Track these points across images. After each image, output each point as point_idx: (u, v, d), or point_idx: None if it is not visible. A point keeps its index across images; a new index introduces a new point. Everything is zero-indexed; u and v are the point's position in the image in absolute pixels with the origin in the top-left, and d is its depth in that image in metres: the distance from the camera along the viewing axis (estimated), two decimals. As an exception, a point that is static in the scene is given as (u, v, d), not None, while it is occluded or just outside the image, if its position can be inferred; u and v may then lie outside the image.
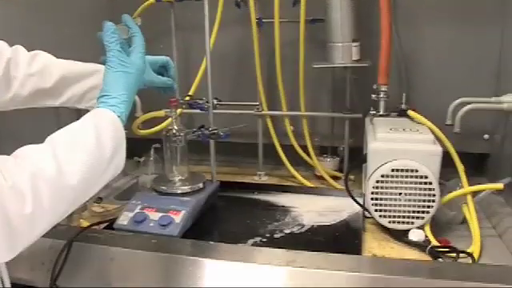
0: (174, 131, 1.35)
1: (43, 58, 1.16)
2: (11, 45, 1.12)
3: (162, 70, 1.24)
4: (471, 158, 1.40)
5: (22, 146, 0.83)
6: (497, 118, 1.55)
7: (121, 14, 1.12)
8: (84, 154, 0.85)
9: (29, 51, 1.15)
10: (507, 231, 1.27)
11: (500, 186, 1.26)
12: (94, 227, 1.25)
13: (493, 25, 1.52)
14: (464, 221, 1.32)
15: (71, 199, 0.84)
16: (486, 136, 1.60)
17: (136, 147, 1.80)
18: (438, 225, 1.27)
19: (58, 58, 1.18)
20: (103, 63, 1.03)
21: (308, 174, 1.72)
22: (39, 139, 0.86)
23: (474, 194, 1.31)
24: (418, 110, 1.39)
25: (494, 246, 1.22)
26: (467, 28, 1.54)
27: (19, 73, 1.11)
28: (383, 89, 1.42)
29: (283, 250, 1.09)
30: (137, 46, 1.03)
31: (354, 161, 1.40)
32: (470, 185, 1.30)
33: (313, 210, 1.42)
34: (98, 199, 1.52)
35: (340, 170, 1.70)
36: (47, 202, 0.78)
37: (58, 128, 0.89)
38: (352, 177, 1.62)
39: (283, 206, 1.45)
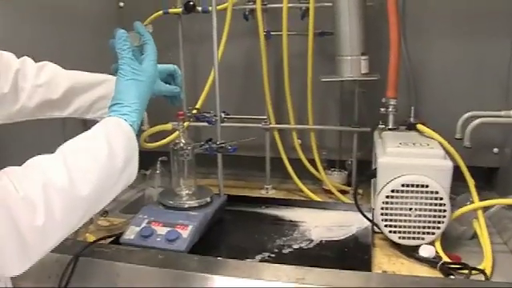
0: (182, 144, 1.34)
1: (50, 69, 1.15)
2: (18, 56, 1.12)
3: (169, 78, 1.23)
4: (480, 171, 1.39)
5: (28, 157, 0.82)
6: (506, 131, 1.54)
7: (129, 24, 1.12)
8: (96, 164, 0.85)
9: (35, 61, 1.15)
10: (519, 247, 1.25)
11: (510, 201, 1.24)
12: (100, 242, 1.24)
13: (502, 37, 1.51)
14: (474, 236, 1.30)
15: (83, 210, 0.84)
16: (496, 150, 1.59)
17: (142, 160, 1.78)
18: (447, 240, 1.25)
19: (65, 67, 1.18)
20: (114, 71, 1.02)
21: (315, 187, 1.71)
22: (45, 150, 0.85)
23: (485, 208, 1.30)
24: (427, 123, 1.38)
25: (506, 262, 1.20)
26: (476, 40, 1.53)
27: (27, 84, 1.10)
28: (392, 102, 1.41)
29: (292, 266, 1.07)
30: (149, 54, 1.03)
31: (363, 175, 1.38)
32: (480, 199, 1.29)
33: (321, 224, 1.40)
34: (103, 213, 1.51)
35: (348, 183, 1.69)
36: (59, 214, 0.77)
37: (64, 139, 0.88)
38: (360, 191, 1.61)
39: (291, 221, 1.43)
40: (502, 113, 1.41)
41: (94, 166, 0.84)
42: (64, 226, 0.80)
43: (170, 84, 1.23)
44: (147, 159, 1.70)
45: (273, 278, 1.03)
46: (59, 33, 1.49)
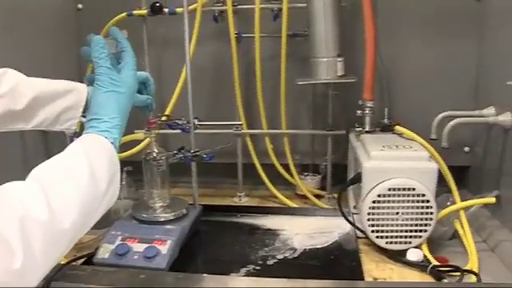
0: (155, 154, 1.27)
1: (13, 76, 1.03)
2: None
3: (141, 86, 1.13)
4: (452, 171, 1.39)
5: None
6: (476, 130, 1.56)
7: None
8: (77, 191, 0.76)
9: None
10: (500, 245, 1.25)
11: (492, 200, 1.25)
12: (72, 263, 1.14)
13: (470, 38, 1.53)
14: (453, 236, 1.30)
15: (65, 243, 0.74)
16: (467, 149, 1.60)
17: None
18: (429, 241, 1.23)
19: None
20: (89, 81, 0.94)
21: (289, 193, 1.67)
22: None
23: (465, 208, 1.30)
24: (401, 124, 1.37)
25: (489, 261, 1.20)
26: (445, 41, 1.54)
27: None
28: (369, 104, 1.39)
29: (284, 280, 1.02)
30: (127, 63, 0.95)
31: (340, 182, 1.35)
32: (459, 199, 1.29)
33: (301, 232, 1.36)
34: (69, 230, 1.41)
35: (322, 187, 1.66)
36: (39, 251, 0.67)
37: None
38: (335, 195, 1.59)
39: (270, 229, 1.38)
40: (475, 112, 1.42)
41: (75, 194, 0.76)
42: (45, 263, 0.70)
43: (141, 93, 1.13)
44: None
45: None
46: (12, 37, 1.37)
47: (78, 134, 1.52)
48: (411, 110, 1.56)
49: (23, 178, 0.74)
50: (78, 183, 0.77)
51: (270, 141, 1.60)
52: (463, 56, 1.54)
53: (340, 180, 1.52)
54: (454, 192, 1.29)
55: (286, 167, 1.61)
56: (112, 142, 0.86)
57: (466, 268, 1.13)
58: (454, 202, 1.30)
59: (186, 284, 1.03)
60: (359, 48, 1.38)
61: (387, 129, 1.39)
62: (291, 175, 1.61)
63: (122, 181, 1.52)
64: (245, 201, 1.67)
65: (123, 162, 1.50)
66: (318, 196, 1.63)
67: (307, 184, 1.64)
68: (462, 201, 1.29)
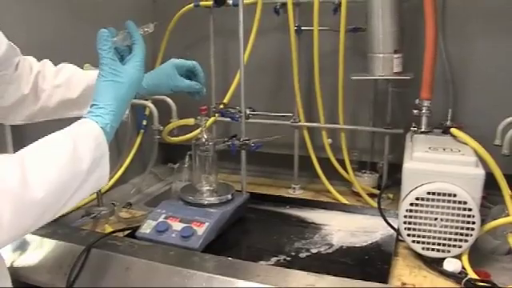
0: (203, 140, 1.32)
1: (69, 69, 1.15)
2: (43, 56, 1.13)
3: (189, 74, 1.22)
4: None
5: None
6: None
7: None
8: (54, 166, 0.80)
9: (62, 60, 1.15)
10: (557, 267, 1.14)
11: (551, 215, 1.14)
12: (115, 234, 1.23)
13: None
14: (510, 251, 1.21)
15: (37, 213, 0.78)
16: (536, 158, 1.46)
17: (171, 153, 1.81)
18: (478, 254, 1.16)
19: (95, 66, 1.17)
20: None
21: (344, 189, 1.65)
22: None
23: (522, 222, 1.20)
24: (464, 127, 1.29)
25: (542, 283, 1.10)
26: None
27: (47, 85, 1.11)
28: (426, 104, 1.32)
29: (304, 272, 1.02)
30: (135, 55, 0.98)
31: (390, 180, 1.30)
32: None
33: (345, 228, 1.34)
34: (127, 204, 1.51)
35: (378, 187, 1.62)
36: (7, 217, 0.72)
37: None
38: (391, 195, 1.54)
39: (314, 223, 1.38)
40: (546, 119, 1.30)
41: (52, 168, 0.80)
42: (12, 229, 0.74)
43: (190, 79, 1.21)
44: (176, 153, 1.71)
45: (281, 283, 0.99)
46: (90, 28, 1.48)
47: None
48: (478, 113, 1.46)
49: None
50: (58, 160, 0.81)
51: (327, 135, 1.59)
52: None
53: (397, 180, 1.47)
54: (507, 203, 1.19)
55: (343, 163, 1.59)
56: (102, 127, 0.89)
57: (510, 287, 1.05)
58: (508, 215, 1.20)
59: (211, 265, 1.07)
60: (422, 44, 1.32)
61: (447, 131, 1.32)
62: (347, 171, 1.58)
63: (184, 164, 1.63)
64: (299, 193, 1.67)
65: (187, 147, 1.61)
66: (372, 195, 1.58)
67: (363, 182, 1.61)
68: (522, 214, 1.20)
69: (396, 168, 1.48)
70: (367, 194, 1.57)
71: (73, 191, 0.84)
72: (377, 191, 1.60)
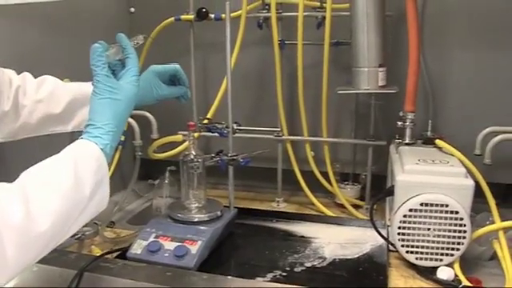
0: (192, 156, 1.31)
1: (50, 82, 1.11)
2: (23, 69, 1.09)
3: (173, 78, 1.20)
4: (498, 188, 1.34)
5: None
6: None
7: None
8: (58, 195, 0.77)
9: (42, 73, 1.12)
10: (542, 271, 1.20)
11: (535, 221, 1.19)
12: (106, 256, 1.20)
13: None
14: (493, 257, 1.26)
15: (42, 245, 0.76)
16: (515, 165, 1.53)
17: (150, 169, 1.79)
18: (465, 260, 1.20)
19: (73, 76, 1.14)
20: None
21: (328, 201, 1.67)
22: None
23: (506, 229, 1.25)
24: (445, 137, 1.34)
25: (528, 287, 1.16)
26: (497, 53, 1.47)
27: (27, 100, 1.07)
28: (410, 116, 1.36)
29: (305, 287, 1.03)
30: (129, 70, 0.95)
31: (378, 191, 1.34)
32: (499, 218, 1.24)
33: (334, 241, 1.36)
34: (110, 223, 1.48)
35: (361, 198, 1.65)
36: (12, 252, 0.70)
37: None
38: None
39: (303, 237, 1.39)
40: (524, 128, 1.36)
41: (56, 198, 0.77)
42: (17, 265, 0.72)
43: (174, 84, 1.20)
44: (155, 168, 1.69)
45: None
46: (66, 39, 1.46)
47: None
48: (457, 124, 1.52)
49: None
50: (61, 187, 0.78)
51: (310, 148, 1.61)
52: (514, 68, 1.48)
53: (380, 191, 1.51)
54: (493, 211, 1.24)
55: (327, 175, 1.61)
56: (102, 148, 0.87)
57: (500, 291, 1.10)
58: (493, 221, 1.26)
59: (210, 285, 1.06)
60: (403, 58, 1.36)
61: (429, 142, 1.36)
62: (330, 183, 1.60)
63: (165, 180, 1.61)
64: (283, 206, 1.68)
65: (167, 162, 1.59)
66: (356, 206, 1.61)
67: (346, 193, 1.64)
68: (506, 220, 1.25)
69: (379, 179, 1.53)
70: (351, 206, 1.59)
71: (75, 218, 0.81)
72: (360, 202, 1.63)
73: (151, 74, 1.16)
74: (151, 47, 1.64)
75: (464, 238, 1.14)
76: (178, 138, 1.48)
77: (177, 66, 1.19)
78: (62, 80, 1.16)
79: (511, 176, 1.55)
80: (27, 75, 1.10)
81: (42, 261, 1.13)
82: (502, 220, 1.24)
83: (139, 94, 1.07)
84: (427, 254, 1.17)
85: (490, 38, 1.47)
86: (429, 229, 1.15)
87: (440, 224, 1.14)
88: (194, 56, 1.60)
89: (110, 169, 1.55)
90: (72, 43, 1.46)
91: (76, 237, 1.37)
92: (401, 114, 1.38)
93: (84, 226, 1.38)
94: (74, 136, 1.33)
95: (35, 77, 1.12)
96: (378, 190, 1.55)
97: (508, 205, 1.54)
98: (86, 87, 1.10)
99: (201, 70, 1.67)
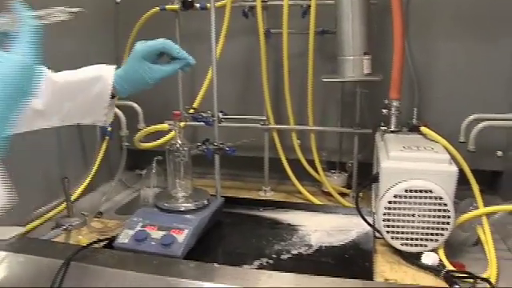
0: (178, 146, 1.30)
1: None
2: None
3: (164, 56, 1.07)
4: (483, 175, 1.35)
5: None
6: (510, 134, 1.50)
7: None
8: None
9: None
10: (524, 255, 1.21)
11: (517, 207, 1.20)
12: (93, 246, 1.19)
13: (507, 39, 1.47)
14: (477, 242, 1.27)
15: None
16: (500, 153, 1.54)
17: (137, 160, 1.78)
18: (449, 246, 1.21)
19: (58, 66, 1.10)
20: None
21: (315, 189, 1.67)
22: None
23: (489, 214, 1.26)
24: (430, 125, 1.34)
25: (511, 270, 1.16)
26: (481, 42, 1.49)
27: None
28: (395, 104, 1.36)
29: (291, 274, 1.03)
30: (21, 36, 0.75)
31: (365, 179, 1.34)
32: (484, 204, 1.26)
33: (320, 228, 1.36)
34: (97, 214, 1.48)
35: (348, 186, 1.65)
36: None
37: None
38: (360, 194, 1.57)
39: (290, 224, 1.39)
40: (508, 115, 1.37)
41: None
42: None
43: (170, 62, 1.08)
44: (142, 159, 1.68)
45: (272, 286, 0.99)
46: (50, 29, 1.43)
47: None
48: (442, 111, 1.53)
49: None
50: None
51: (296, 137, 1.61)
52: (498, 56, 1.48)
53: (374, 178, 1.51)
54: (477, 197, 1.25)
55: (313, 164, 1.61)
56: None
57: (484, 276, 1.10)
58: (477, 207, 1.26)
59: (197, 273, 1.06)
60: (389, 46, 1.36)
61: (415, 129, 1.36)
62: (317, 172, 1.60)
63: (152, 170, 1.60)
64: (270, 195, 1.68)
65: (154, 152, 1.58)
66: (343, 194, 1.62)
67: (333, 181, 1.64)
68: (490, 206, 1.26)
69: (365, 167, 1.54)
70: (338, 194, 1.60)
71: None
72: (347, 190, 1.64)
73: (137, 60, 1.04)
74: (137, 37, 1.62)
75: (448, 223, 1.15)
76: (164, 127, 1.46)
77: (162, 41, 1.06)
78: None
79: (495, 163, 1.56)
80: None
81: (28, 251, 1.15)
82: (486, 206, 1.25)
83: (130, 86, 1.05)
84: (412, 239, 1.17)
85: (475, 28, 1.48)
86: (413, 215, 1.15)
87: (424, 210, 1.15)
88: (179, 46, 1.58)
89: (96, 160, 1.59)
90: (58, 32, 1.44)
91: (63, 227, 1.36)
92: (386, 101, 1.38)
93: (71, 217, 1.40)
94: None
95: None
96: (364, 178, 1.55)
97: (491, 191, 1.57)
98: (73, 76, 1.06)
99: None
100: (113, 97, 1.07)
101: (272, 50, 1.59)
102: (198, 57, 1.67)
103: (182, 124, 1.36)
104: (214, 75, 1.33)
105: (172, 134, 1.47)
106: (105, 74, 1.05)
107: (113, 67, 1.06)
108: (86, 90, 1.05)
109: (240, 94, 1.70)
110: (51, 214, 1.43)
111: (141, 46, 1.05)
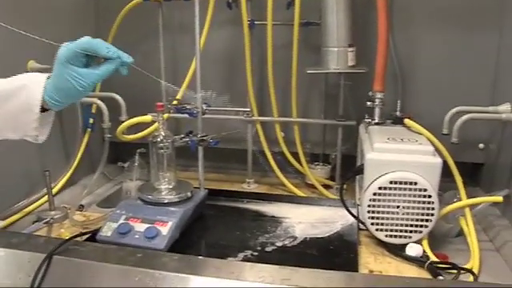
0: (161, 137, 1.27)
1: None
2: None
3: (93, 58, 0.91)
4: (465, 167, 1.35)
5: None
6: (492, 127, 1.51)
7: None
8: None
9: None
10: (505, 245, 1.22)
11: (499, 198, 1.21)
12: (75, 239, 1.16)
13: (490, 31, 1.47)
14: (460, 233, 1.28)
15: None
16: (481, 145, 1.56)
17: (120, 152, 1.75)
18: (433, 237, 1.22)
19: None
20: None
21: (298, 182, 1.66)
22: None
23: (472, 206, 1.26)
24: (413, 117, 1.35)
25: (493, 261, 1.18)
26: (465, 34, 1.49)
27: None
28: (379, 96, 1.37)
29: (276, 266, 1.01)
30: None
31: (349, 171, 1.33)
32: (466, 196, 1.26)
33: (304, 220, 1.35)
34: (79, 207, 1.45)
35: (332, 178, 1.65)
36: None
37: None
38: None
39: (274, 217, 1.38)
40: (490, 108, 1.38)
41: None
42: None
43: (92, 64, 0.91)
44: (124, 151, 1.65)
45: (257, 278, 0.98)
46: (29, 22, 1.38)
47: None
48: (425, 104, 1.53)
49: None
50: None
51: (280, 129, 1.59)
52: (482, 49, 1.49)
53: (358, 170, 1.50)
54: (460, 189, 1.26)
55: (297, 156, 1.60)
56: None
57: (466, 267, 1.11)
58: (460, 199, 1.27)
59: (181, 265, 1.04)
60: (373, 38, 1.36)
61: (398, 121, 1.37)
62: (300, 164, 1.59)
63: (134, 162, 1.58)
64: (254, 187, 1.67)
65: (136, 145, 1.56)
66: (326, 186, 1.61)
67: (317, 174, 1.63)
68: (471, 198, 1.26)
69: (349, 159, 1.53)
70: (321, 186, 1.59)
71: None
72: (331, 182, 1.63)
73: (61, 66, 0.89)
74: (118, 29, 1.59)
75: (432, 215, 1.15)
76: (147, 118, 1.43)
77: (87, 40, 0.89)
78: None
79: (478, 155, 1.57)
80: None
81: (10, 245, 1.12)
82: (469, 197, 1.26)
83: (61, 97, 0.91)
84: (396, 231, 1.17)
85: (460, 20, 1.49)
86: (398, 206, 1.16)
87: (409, 202, 1.15)
88: (162, 37, 1.56)
89: (78, 152, 1.56)
90: (32, 28, 1.40)
91: (44, 221, 1.33)
92: (370, 93, 1.38)
93: (53, 210, 1.37)
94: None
95: None
96: (347, 171, 1.54)
97: (474, 183, 1.58)
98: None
99: (170, 51, 1.63)
100: (46, 109, 0.94)
101: (256, 41, 1.57)
102: (181, 48, 1.67)
103: (166, 116, 1.33)
104: (197, 67, 1.31)
105: (155, 126, 1.44)
106: (32, 82, 0.92)
107: (44, 76, 0.92)
108: (9, 100, 0.92)
109: (224, 86, 1.68)
110: (32, 207, 1.40)
111: (64, 48, 0.89)
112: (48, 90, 0.91)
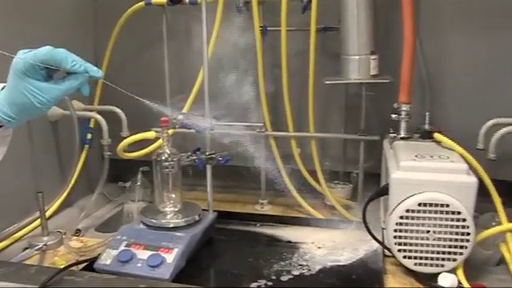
0: (166, 155, 1.27)
1: None
2: None
3: (53, 71, 0.87)
4: (503, 185, 1.32)
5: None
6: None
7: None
8: None
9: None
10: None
11: (545, 222, 1.18)
12: (71, 268, 1.15)
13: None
14: (501, 261, 1.25)
15: None
16: (523, 161, 1.52)
17: (120, 170, 1.74)
18: (469, 266, 1.19)
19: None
20: None
21: (316, 202, 1.64)
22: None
23: (512, 229, 1.24)
24: (443, 131, 1.33)
25: (538, 293, 1.15)
26: (503, 36, 1.46)
27: None
28: (405, 108, 1.35)
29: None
30: None
31: (372, 191, 1.31)
32: (507, 218, 1.24)
33: (323, 246, 1.34)
34: (76, 231, 1.44)
35: (353, 198, 1.63)
36: None
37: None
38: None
39: (289, 242, 1.38)
40: (531, 120, 1.35)
41: None
42: None
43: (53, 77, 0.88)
44: (126, 169, 1.65)
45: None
46: (29, 27, 1.40)
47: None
48: (457, 116, 1.51)
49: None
50: None
51: (296, 144, 1.58)
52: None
53: (373, 191, 1.48)
54: (499, 211, 1.24)
55: (314, 174, 1.59)
56: None
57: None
58: (499, 222, 1.24)
59: (188, 298, 1.03)
60: (397, 44, 1.34)
61: (427, 136, 1.35)
62: (319, 183, 1.58)
63: (137, 182, 1.57)
64: (267, 209, 1.67)
65: (139, 162, 1.55)
66: (347, 207, 1.59)
67: (337, 193, 1.62)
68: (512, 221, 1.24)
69: (372, 178, 1.51)
70: (342, 207, 1.57)
71: None
72: (352, 203, 1.61)
73: (17, 78, 0.85)
74: (119, 36, 1.60)
75: (467, 240, 1.12)
76: (151, 135, 1.43)
77: (48, 50, 0.85)
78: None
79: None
80: None
81: None
82: (509, 220, 1.24)
83: (17, 113, 0.86)
84: (427, 259, 1.15)
85: (496, 21, 1.46)
86: (428, 231, 1.13)
87: (440, 226, 1.12)
88: (167, 44, 1.56)
89: (75, 171, 1.56)
90: (33, 32, 1.41)
91: (37, 247, 1.33)
92: (395, 105, 1.37)
93: (46, 236, 1.36)
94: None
95: None
96: (371, 190, 1.52)
97: (514, 204, 1.54)
98: None
99: (174, 60, 1.63)
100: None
101: (269, 49, 1.57)
102: (187, 56, 1.67)
103: (171, 131, 1.33)
104: (205, 77, 1.30)
105: (159, 142, 1.44)
106: None
107: None
108: None
109: (234, 98, 1.67)
110: (23, 232, 1.40)
111: (20, 61, 0.84)
112: (0, 104, 0.86)
